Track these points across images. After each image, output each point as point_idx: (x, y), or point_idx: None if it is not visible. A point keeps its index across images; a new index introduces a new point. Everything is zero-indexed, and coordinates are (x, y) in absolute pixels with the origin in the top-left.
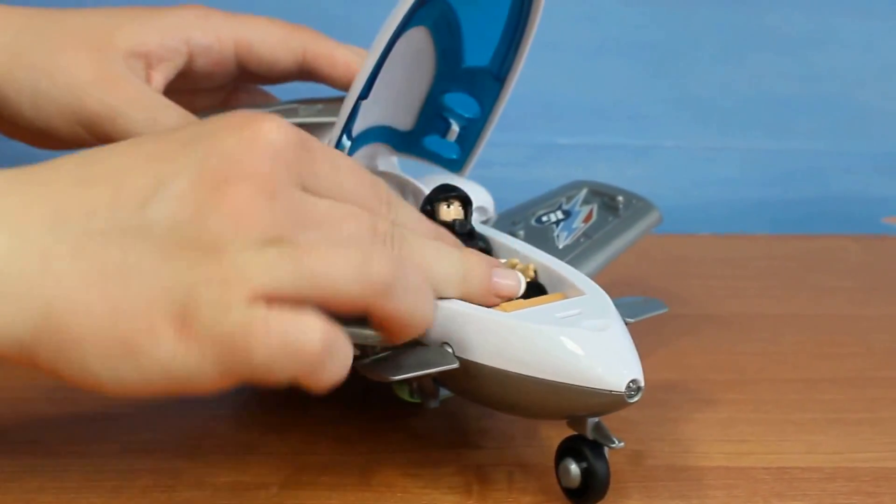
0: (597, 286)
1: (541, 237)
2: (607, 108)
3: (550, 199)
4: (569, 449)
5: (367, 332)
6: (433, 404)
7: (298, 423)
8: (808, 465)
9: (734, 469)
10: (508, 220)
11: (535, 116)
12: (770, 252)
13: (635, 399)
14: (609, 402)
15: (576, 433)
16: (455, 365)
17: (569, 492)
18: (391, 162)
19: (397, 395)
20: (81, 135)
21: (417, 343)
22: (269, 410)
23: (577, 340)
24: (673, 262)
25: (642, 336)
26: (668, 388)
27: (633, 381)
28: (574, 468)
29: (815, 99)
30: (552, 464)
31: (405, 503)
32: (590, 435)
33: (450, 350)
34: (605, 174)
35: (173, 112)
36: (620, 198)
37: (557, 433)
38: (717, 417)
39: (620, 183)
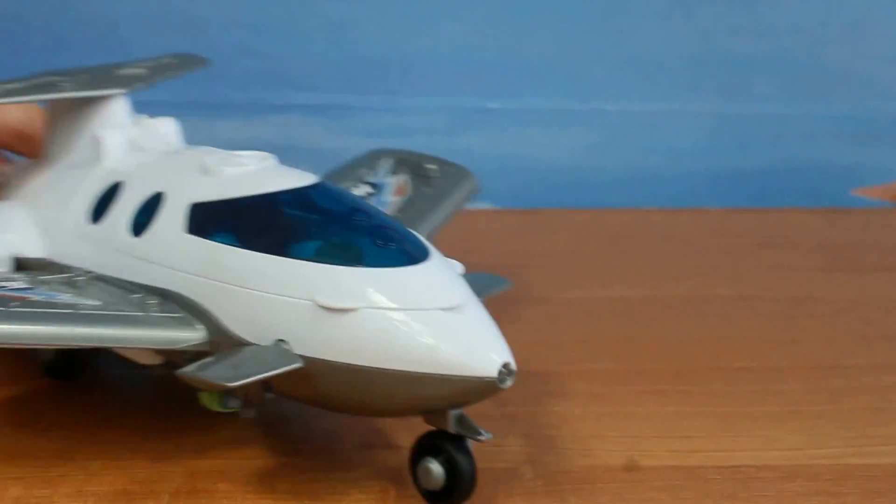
0: (440, 253)
1: None
2: (542, 69)
3: (348, 172)
4: (427, 447)
5: (182, 334)
6: (251, 413)
7: (191, 425)
8: (764, 463)
9: (682, 468)
10: None
11: (461, 78)
12: (723, 228)
13: (508, 384)
14: (480, 390)
15: (434, 429)
16: (299, 364)
17: (431, 495)
18: None
19: (204, 405)
20: None
21: (241, 343)
22: (156, 411)
23: (437, 325)
24: (615, 240)
25: (580, 321)
26: (607, 379)
27: (506, 364)
28: (437, 467)
29: (774, 57)
30: (479, 465)
31: None
32: (452, 429)
33: (287, 347)
34: (539, 141)
35: None
36: (433, 166)
37: (496, 429)
38: (662, 411)
39: (557, 152)
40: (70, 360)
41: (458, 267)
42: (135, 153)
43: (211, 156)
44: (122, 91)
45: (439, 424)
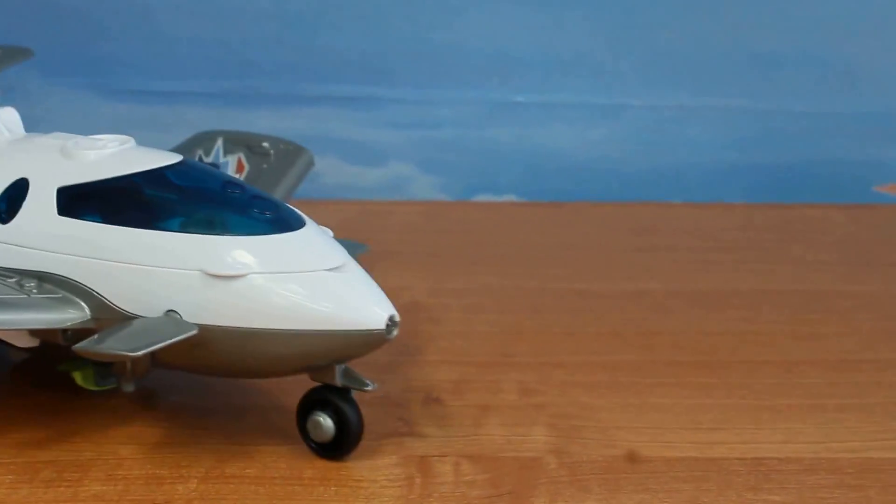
0: (313, 221)
1: None
2: (569, 63)
3: (185, 152)
4: (313, 402)
5: (66, 314)
6: (131, 387)
7: (221, 411)
8: (786, 455)
9: (704, 460)
10: None
11: (490, 72)
12: (747, 222)
13: (394, 334)
14: (369, 341)
15: (318, 385)
16: (195, 331)
17: (321, 447)
18: None
19: (79, 384)
20: None
21: (128, 318)
22: (187, 397)
23: (324, 284)
24: (639, 233)
25: (605, 313)
26: (631, 371)
27: (391, 317)
28: (326, 420)
29: (799, 53)
30: (504, 455)
31: (340, 498)
32: (339, 382)
33: (178, 317)
34: (565, 135)
35: None
36: (266, 144)
37: (521, 419)
38: (685, 403)
39: (583, 146)
40: None
41: (330, 233)
42: None
43: (69, 140)
44: None
45: (325, 379)
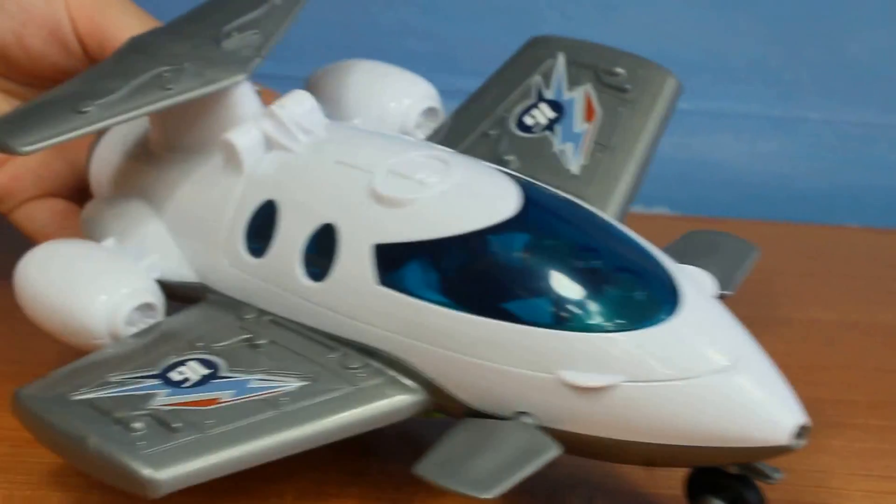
0: (690, 280)
1: (538, 157)
2: (740, 70)
3: (519, 81)
4: (708, 483)
5: (399, 401)
6: None
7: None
8: None
9: None
10: (474, 127)
11: None
12: None
13: (802, 443)
14: (768, 454)
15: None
16: (558, 453)
17: None
18: None
19: None
20: None
21: (469, 410)
22: None
23: (712, 394)
24: (809, 257)
25: (765, 343)
26: None
27: (801, 425)
28: None
29: None
30: (642, 490)
31: None
32: (734, 470)
33: (531, 422)
34: (731, 146)
35: None
36: (620, 69)
37: None
38: (857, 447)
39: (750, 159)
40: None
41: (710, 284)
42: (274, 153)
43: (377, 174)
44: (244, 76)
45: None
